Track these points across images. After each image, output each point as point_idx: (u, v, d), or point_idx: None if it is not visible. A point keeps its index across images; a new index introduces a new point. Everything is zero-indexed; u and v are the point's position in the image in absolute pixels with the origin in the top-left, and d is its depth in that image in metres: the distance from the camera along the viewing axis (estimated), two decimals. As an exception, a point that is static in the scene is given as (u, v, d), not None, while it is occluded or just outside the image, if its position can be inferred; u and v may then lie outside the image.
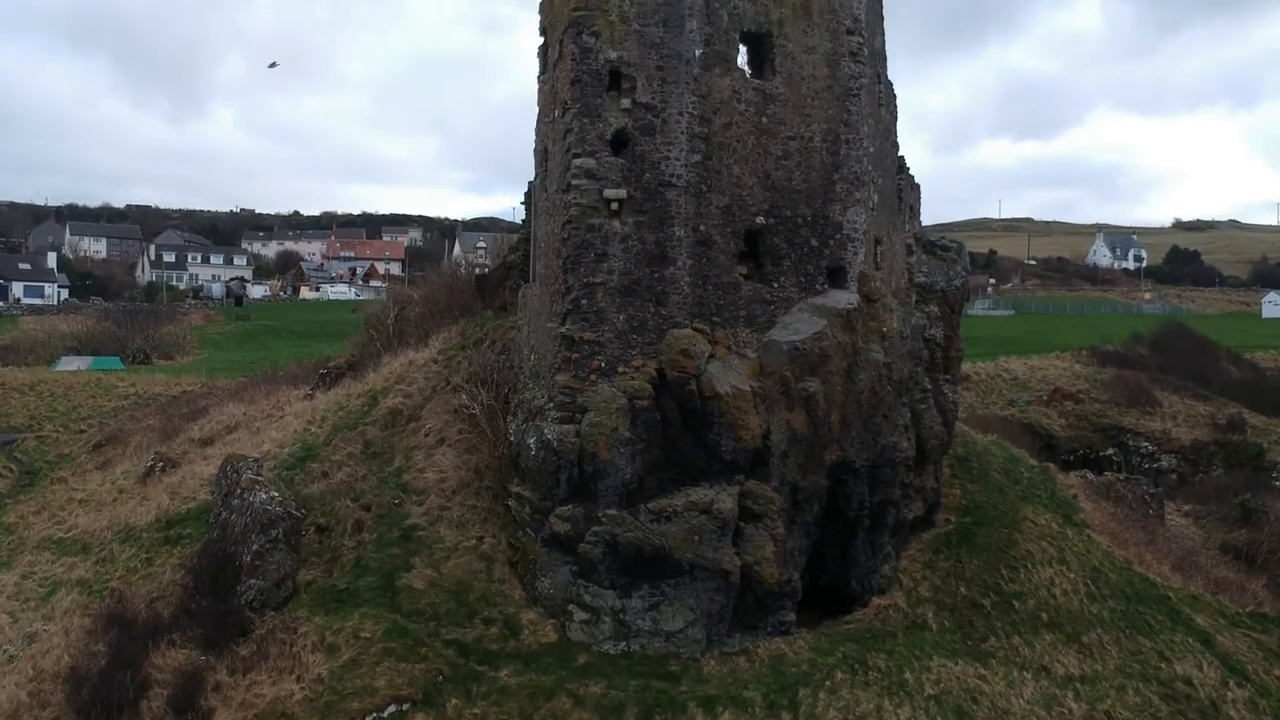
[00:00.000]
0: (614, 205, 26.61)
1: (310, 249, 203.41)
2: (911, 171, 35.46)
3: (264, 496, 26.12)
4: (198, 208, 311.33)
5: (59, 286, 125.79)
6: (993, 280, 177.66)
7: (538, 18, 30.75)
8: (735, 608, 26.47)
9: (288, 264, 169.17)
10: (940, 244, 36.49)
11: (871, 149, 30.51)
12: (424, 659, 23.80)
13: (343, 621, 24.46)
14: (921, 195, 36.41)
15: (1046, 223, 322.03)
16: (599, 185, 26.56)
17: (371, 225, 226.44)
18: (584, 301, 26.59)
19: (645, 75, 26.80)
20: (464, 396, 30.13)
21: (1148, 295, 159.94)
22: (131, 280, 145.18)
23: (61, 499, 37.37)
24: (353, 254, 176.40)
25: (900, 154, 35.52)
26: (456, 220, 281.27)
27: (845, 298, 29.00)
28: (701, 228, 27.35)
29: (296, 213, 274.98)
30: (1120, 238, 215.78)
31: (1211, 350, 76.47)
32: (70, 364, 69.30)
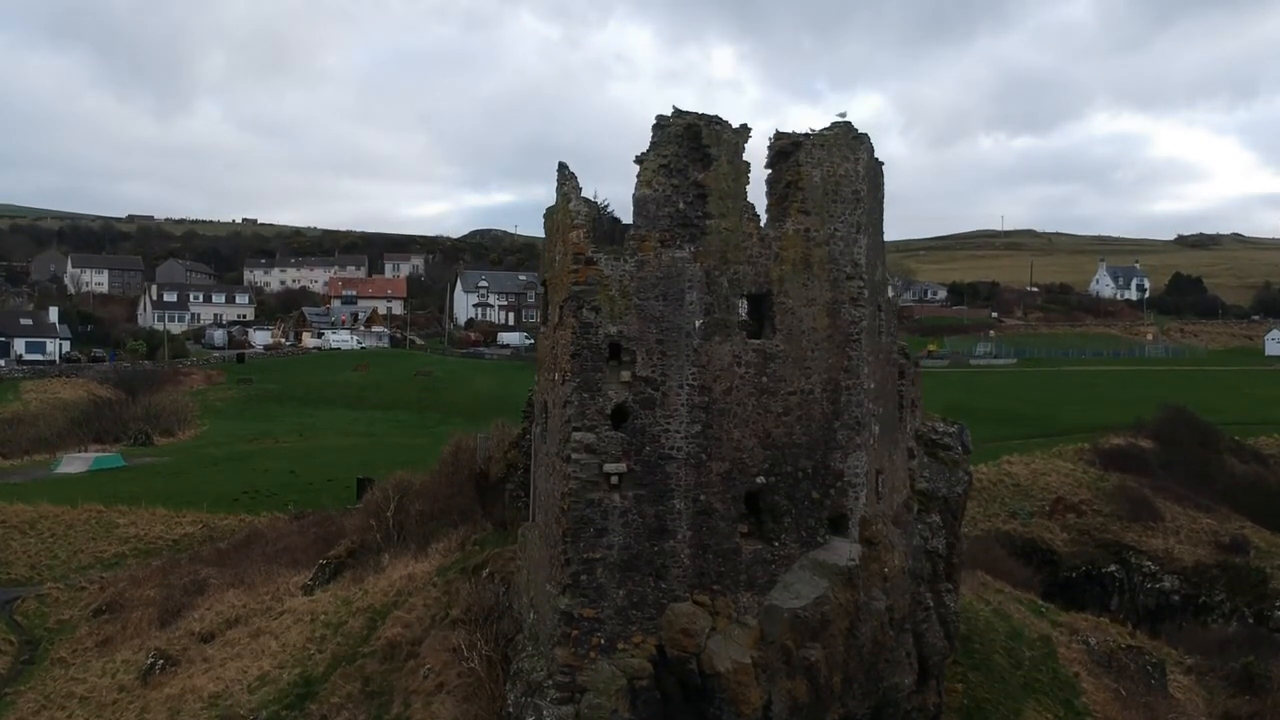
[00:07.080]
0: (614, 479, 26.41)
1: (313, 276, 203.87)
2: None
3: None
4: (198, 217, 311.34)
5: (60, 340, 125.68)
6: (995, 314, 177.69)
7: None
8: None
9: (290, 303, 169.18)
10: (941, 442, 36.26)
11: (872, 385, 30.30)
12: None
13: None
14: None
15: (1049, 236, 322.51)
16: (599, 460, 26.34)
17: (373, 250, 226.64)
18: (584, 577, 26.40)
19: (645, 349, 26.56)
20: (462, 639, 29.98)
21: (1150, 336, 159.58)
22: (133, 326, 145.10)
23: (62, 690, 37.38)
24: (354, 292, 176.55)
25: (902, 354, 35.41)
26: (456, 239, 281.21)
27: (847, 550, 28.80)
28: (702, 497, 27.12)
29: (298, 232, 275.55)
30: (1123, 268, 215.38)
31: (1214, 440, 76.44)
32: (71, 464, 69.37)
